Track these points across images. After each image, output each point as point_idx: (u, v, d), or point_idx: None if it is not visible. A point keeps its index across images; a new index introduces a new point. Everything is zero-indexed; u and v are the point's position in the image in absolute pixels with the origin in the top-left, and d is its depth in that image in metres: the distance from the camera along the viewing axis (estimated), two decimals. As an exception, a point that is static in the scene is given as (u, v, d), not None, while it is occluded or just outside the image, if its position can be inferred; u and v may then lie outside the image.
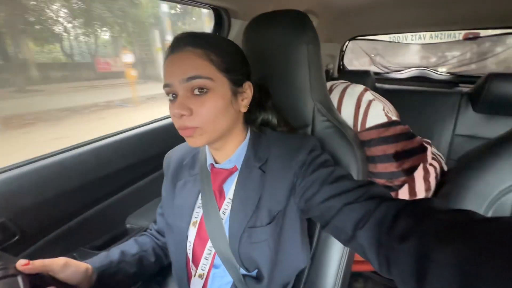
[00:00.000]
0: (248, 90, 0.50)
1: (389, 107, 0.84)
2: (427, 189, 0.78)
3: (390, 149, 0.74)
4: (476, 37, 1.91)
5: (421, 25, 1.57)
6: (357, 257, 0.68)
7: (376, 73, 1.91)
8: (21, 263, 0.36)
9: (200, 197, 0.54)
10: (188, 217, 0.54)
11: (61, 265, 0.41)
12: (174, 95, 0.45)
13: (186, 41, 0.44)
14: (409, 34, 2.59)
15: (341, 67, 1.98)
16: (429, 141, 0.85)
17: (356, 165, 0.59)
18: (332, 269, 0.59)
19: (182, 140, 0.51)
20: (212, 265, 0.52)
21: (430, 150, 0.82)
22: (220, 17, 1.03)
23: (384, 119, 0.75)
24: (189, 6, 0.99)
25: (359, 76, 1.61)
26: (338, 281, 0.59)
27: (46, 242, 0.72)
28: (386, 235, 0.34)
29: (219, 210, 0.51)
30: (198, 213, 0.54)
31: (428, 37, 2.73)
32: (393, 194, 0.79)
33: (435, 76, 1.73)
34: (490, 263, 0.23)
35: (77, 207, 0.79)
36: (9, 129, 5.03)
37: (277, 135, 0.55)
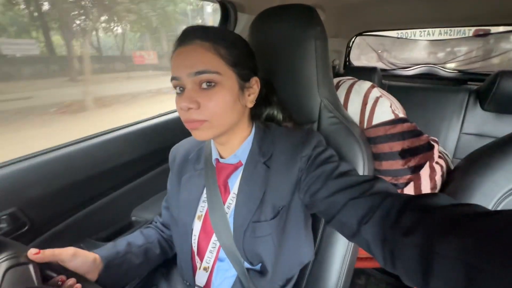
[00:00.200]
0: (255, 86, 0.50)
1: (396, 104, 0.83)
2: (433, 187, 0.78)
3: (397, 146, 0.73)
4: (486, 34, 1.86)
5: (430, 22, 1.53)
6: (359, 254, 0.68)
7: (383, 70, 1.88)
8: (32, 252, 0.37)
9: (205, 191, 0.54)
10: (193, 211, 0.55)
11: (70, 254, 0.42)
12: (181, 88, 0.45)
13: (195, 34, 0.44)
14: (417, 31, 2.54)
15: (347, 63, 1.95)
16: (436, 139, 0.84)
17: (362, 162, 0.58)
18: (336, 265, 0.59)
19: (188, 134, 0.51)
20: (217, 259, 0.53)
21: (437, 148, 0.81)
22: (227, 11, 1.02)
23: (391, 116, 0.74)
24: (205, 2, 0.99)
25: (365, 73, 1.58)
26: (342, 277, 0.59)
27: (55, 233, 0.73)
28: (391, 229, 0.34)
29: (224, 205, 0.52)
30: (203, 207, 0.54)
31: (437, 33, 2.67)
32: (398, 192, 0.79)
33: (442, 73, 1.69)
34: (494, 255, 0.23)
35: (84, 199, 0.81)
36: (99, 108, 5.78)
37: (282, 131, 0.55)
